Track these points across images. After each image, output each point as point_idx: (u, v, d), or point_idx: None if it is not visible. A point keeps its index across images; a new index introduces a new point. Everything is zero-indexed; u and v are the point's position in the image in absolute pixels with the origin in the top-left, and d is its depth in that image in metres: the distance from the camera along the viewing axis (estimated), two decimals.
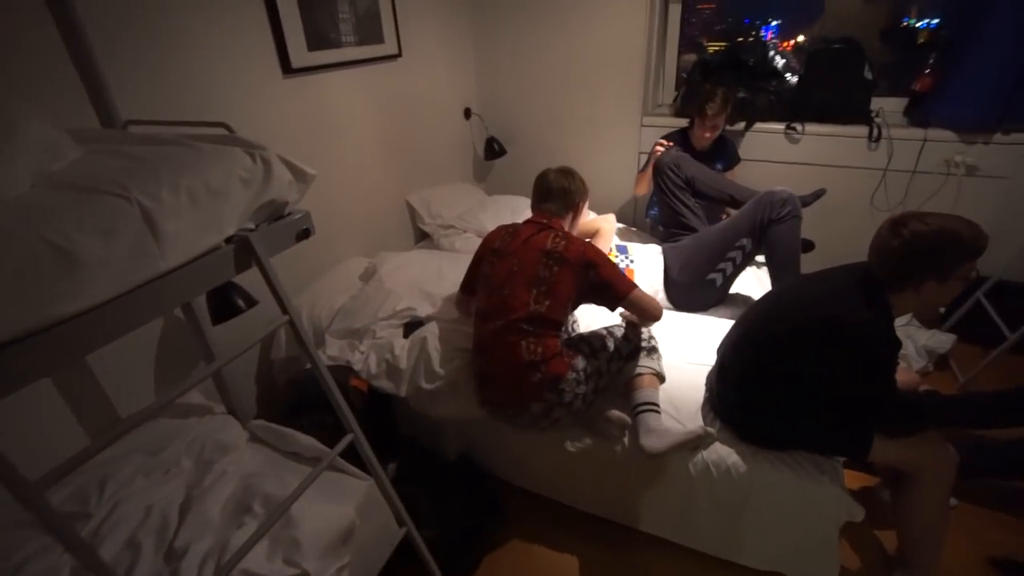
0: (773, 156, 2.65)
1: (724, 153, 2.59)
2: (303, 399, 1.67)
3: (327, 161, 2.16)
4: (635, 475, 1.55)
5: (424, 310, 1.95)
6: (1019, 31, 2.03)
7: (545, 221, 1.67)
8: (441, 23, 2.74)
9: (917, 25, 2.69)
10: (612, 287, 1.54)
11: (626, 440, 1.53)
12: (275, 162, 0.94)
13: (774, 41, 3.09)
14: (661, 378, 1.60)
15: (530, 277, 1.54)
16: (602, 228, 2.12)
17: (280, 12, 1.81)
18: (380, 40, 2.29)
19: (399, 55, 2.42)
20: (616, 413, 1.55)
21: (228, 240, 0.89)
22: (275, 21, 1.82)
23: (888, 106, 2.53)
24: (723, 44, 3.04)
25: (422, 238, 2.87)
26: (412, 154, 2.68)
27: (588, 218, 2.39)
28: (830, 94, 2.51)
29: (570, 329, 1.71)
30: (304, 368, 1.78)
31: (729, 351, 1.53)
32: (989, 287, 2.22)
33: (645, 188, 2.66)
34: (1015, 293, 2.24)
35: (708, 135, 2.45)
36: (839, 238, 2.58)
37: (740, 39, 3.09)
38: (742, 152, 2.69)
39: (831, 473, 1.38)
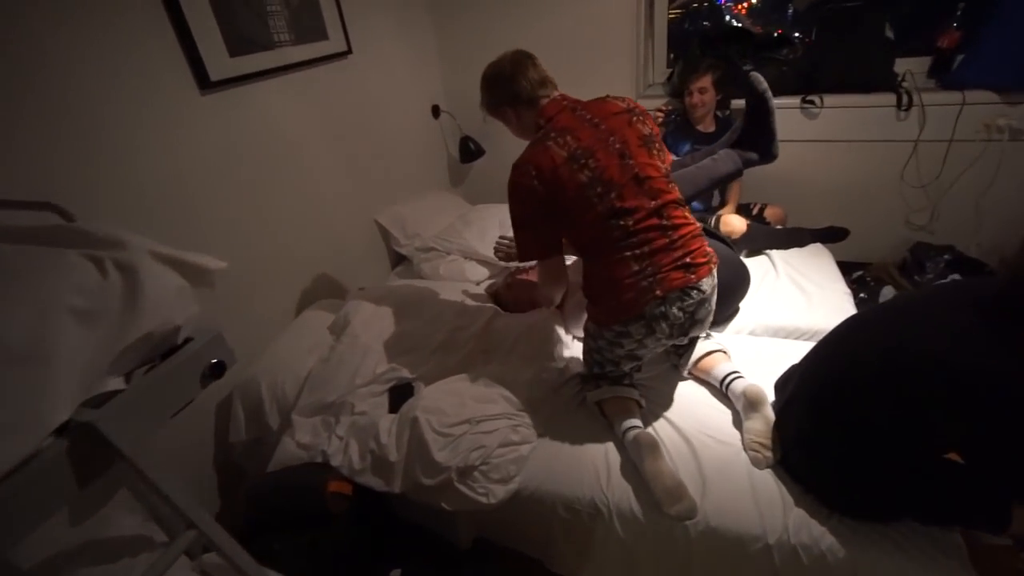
0: (789, 135, 2.30)
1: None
2: (269, 515, 1.31)
3: (272, 191, 1.76)
4: (699, 562, 1.24)
5: (413, 367, 1.60)
6: None
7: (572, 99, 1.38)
8: (394, 10, 2.32)
9: None
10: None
11: (689, 522, 1.22)
12: (145, 267, 0.57)
13: (728, 4, 2.83)
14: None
15: (641, 137, 1.33)
16: None
17: (184, 10, 1.38)
18: (323, 36, 1.87)
19: (348, 52, 2.01)
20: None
21: (60, 430, 0.51)
22: (180, 23, 1.40)
23: (911, 67, 2.24)
24: (680, 11, 2.73)
25: (399, 261, 2.50)
26: (377, 165, 2.28)
27: None
28: (848, 60, 2.20)
29: None
30: (265, 474, 1.40)
31: (808, 412, 1.22)
32: None
33: None
34: None
35: (696, 107, 2.18)
36: (868, 220, 2.31)
37: (695, 4, 2.78)
38: None
39: (951, 550, 1.10)
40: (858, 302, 1.87)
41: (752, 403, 1.34)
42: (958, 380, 0.97)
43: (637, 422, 1.37)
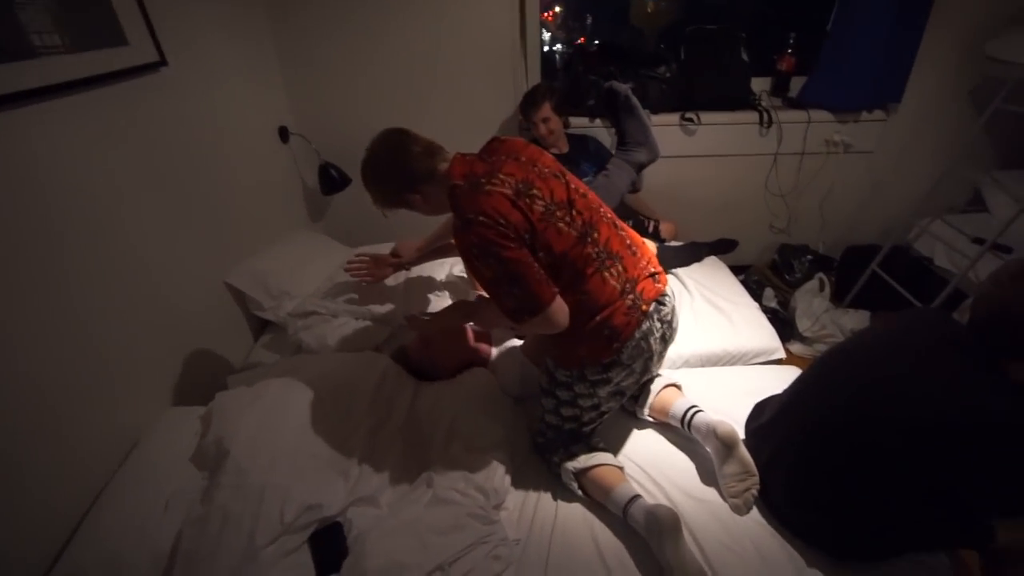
0: (671, 151, 2.37)
1: (586, 153, 2.24)
2: None
3: (63, 273, 1.15)
4: None
5: (336, 496, 1.18)
6: (896, 20, 2.04)
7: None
8: (219, 4, 1.76)
9: None
10: None
11: None
12: None
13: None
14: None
15: (555, 161, 1.28)
16: None
17: None
18: (118, 40, 1.29)
19: (161, 63, 1.43)
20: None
21: None
22: None
23: (757, 87, 2.45)
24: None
25: (263, 328, 1.95)
26: (215, 209, 1.72)
27: None
28: (714, 79, 2.32)
29: None
30: None
31: (798, 461, 1.16)
32: (882, 257, 2.31)
33: None
34: (902, 256, 2.38)
35: (544, 132, 2.10)
36: (740, 227, 2.48)
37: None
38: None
39: (942, 572, 1.14)
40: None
41: (727, 444, 1.25)
42: (956, 422, 0.97)
43: (637, 491, 1.20)
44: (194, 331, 1.59)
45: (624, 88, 1.89)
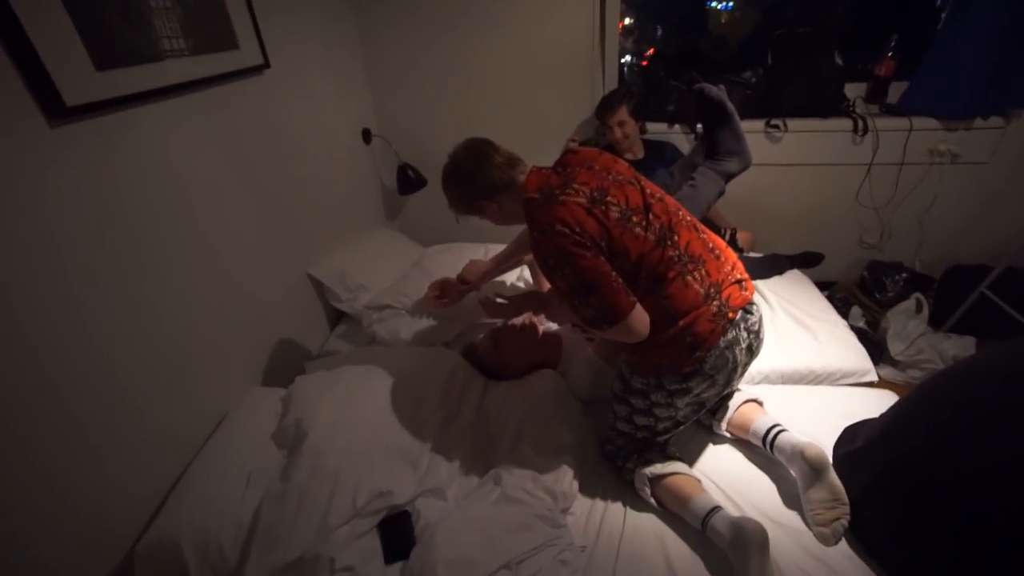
0: (754, 159, 2.27)
1: (663, 159, 2.16)
2: None
3: (163, 255, 1.25)
4: None
5: (405, 485, 1.20)
6: (1014, 19, 1.85)
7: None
8: (315, 12, 1.88)
9: None
10: None
11: None
12: None
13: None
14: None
15: (630, 167, 1.24)
16: None
17: (12, 4, 0.88)
18: (231, 44, 1.40)
19: (265, 66, 1.54)
20: None
21: None
22: (7, 23, 0.88)
23: (851, 92, 2.29)
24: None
25: (339, 318, 2.03)
26: (301, 205, 1.81)
27: None
28: (803, 85, 2.19)
29: None
30: None
31: (902, 498, 1.05)
32: (994, 279, 2.08)
33: None
34: (1017, 278, 2.14)
35: (620, 141, 2.06)
36: (827, 241, 2.32)
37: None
38: None
39: None
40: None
41: (815, 468, 1.16)
42: None
43: (717, 503, 1.14)
44: (276, 320, 1.68)
45: (718, 93, 1.73)
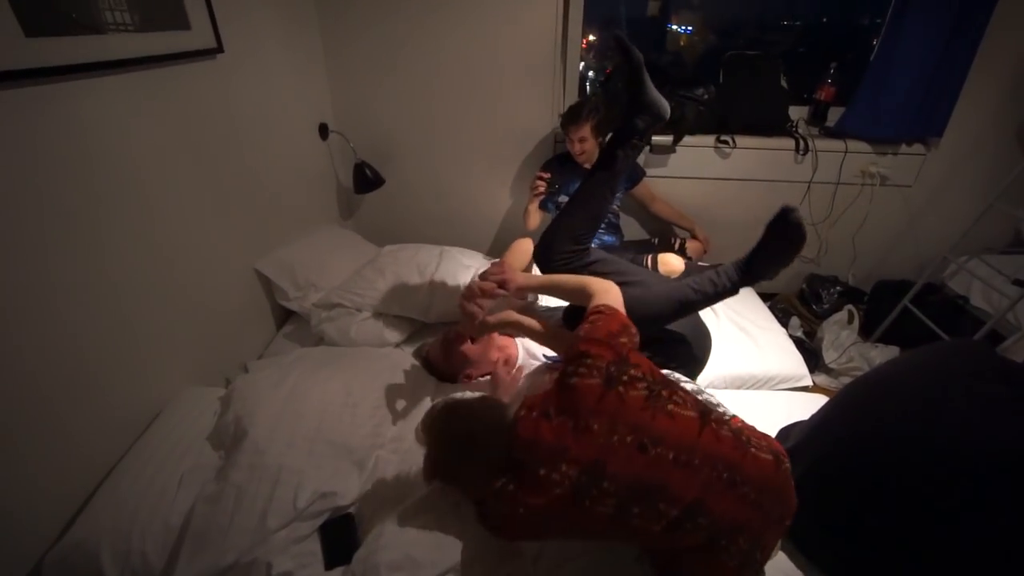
0: (701, 172, 2.38)
1: None
2: None
3: (101, 239, 1.18)
4: None
5: (350, 486, 1.17)
6: (940, 53, 2.03)
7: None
8: (274, 2, 1.82)
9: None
10: None
11: None
12: None
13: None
14: None
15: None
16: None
17: None
18: (182, 25, 1.34)
19: (218, 50, 1.48)
20: None
21: None
22: None
23: (794, 114, 2.44)
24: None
25: (287, 317, 1.96)
26: (251, 198, 1.74)
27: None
28: (751, 104, 2.32)
29: None
30: None
31: (822, 491, 1.11)
32: (914, 293, 2.25)
33: (537, 221, 2.19)
34: (936, 293, 2.32)
35: (578, 151, 2.08)
36: None
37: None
38: (670, 170, 2.38)
39: None
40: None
41: None
42: (995, 453, 0.92)
43: None
44: (220, 313, 1.60)
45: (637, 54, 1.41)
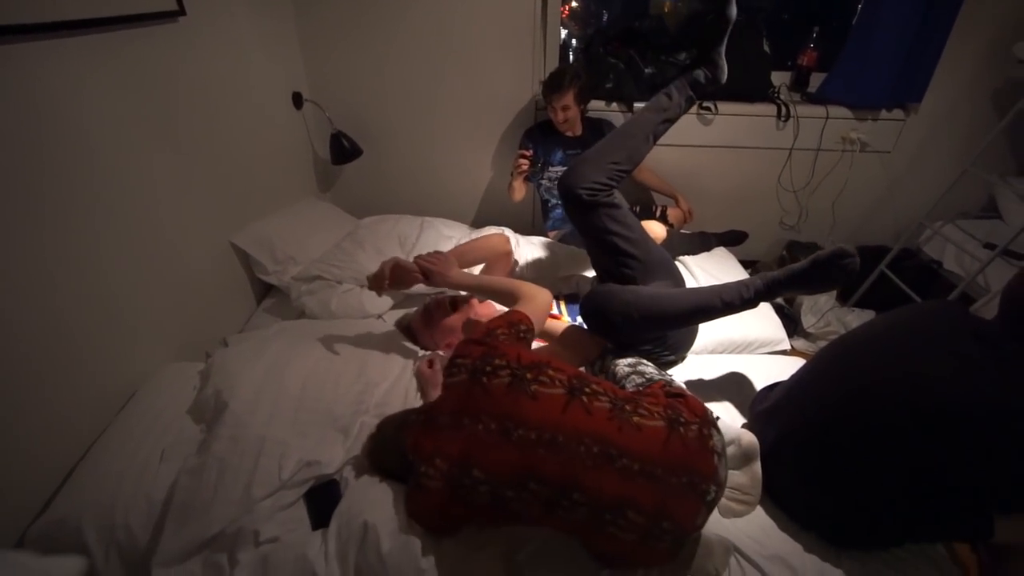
0: (684, 139, 2.36)
1: (601, 136, 2.19)
2: None
3: (65, 215, 1.14)
4: None
5: (335, 454, 1.17)
6: (922, 18, 2.02)
7: None
8: None
9: None
10: None
11: None
12: None
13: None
14: None
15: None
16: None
17: None
18: None
19: (180, 12, 1.41)
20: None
21: None
22: None
23: (776, 80, 2.42)
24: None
25: (267, 292, 1.94)
26: (224, 170, 1.69)
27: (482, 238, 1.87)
28: (733, 70, 2.28)
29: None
30: None
31: (811, 449, 1.15)
32: (891, 258, 2.29)
33: (522, 194, 2.16)
34: (911, 258, 2.36)
35: (560, 119, 2.05)
36: (751, 222, 2.46)
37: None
38: None
39: (944, 567, 1.13)
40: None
41: (747, 455, 1.22)
42: (966, 408, 0.96)
43: None
44: (198, 288, 1.57)
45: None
